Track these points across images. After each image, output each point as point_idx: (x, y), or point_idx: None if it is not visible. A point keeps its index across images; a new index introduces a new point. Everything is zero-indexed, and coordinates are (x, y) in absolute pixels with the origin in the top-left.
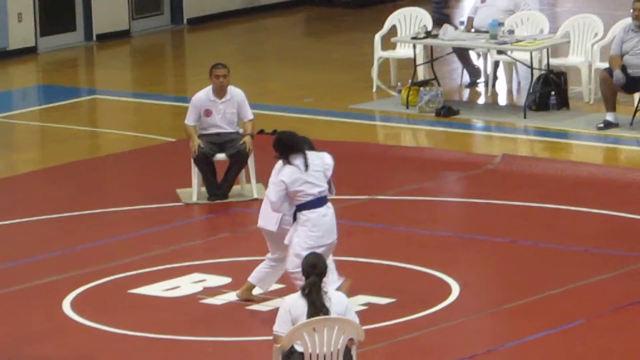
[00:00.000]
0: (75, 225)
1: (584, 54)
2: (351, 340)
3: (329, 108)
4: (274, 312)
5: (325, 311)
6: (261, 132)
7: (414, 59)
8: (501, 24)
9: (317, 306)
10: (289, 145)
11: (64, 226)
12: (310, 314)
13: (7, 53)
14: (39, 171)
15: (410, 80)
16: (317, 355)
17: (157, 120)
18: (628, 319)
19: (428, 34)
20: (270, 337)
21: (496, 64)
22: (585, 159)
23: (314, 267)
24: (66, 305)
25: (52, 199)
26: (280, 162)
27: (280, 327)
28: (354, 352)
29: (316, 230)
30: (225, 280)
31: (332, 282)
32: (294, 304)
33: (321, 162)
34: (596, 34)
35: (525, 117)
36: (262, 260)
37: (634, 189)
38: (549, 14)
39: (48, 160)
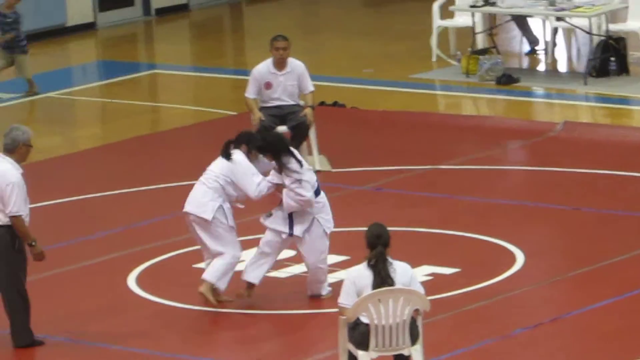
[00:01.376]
0: (138, 200)
1: None
2: (417, 310)
3: (389, 78)
4: (339, 284)
5: (391, 282)
6: (322, 103)
7: (473, 27)
8: None
9: (382, 276)
10: (285, 147)
11: (126, 202)
12: (376, 285)
13: (66, 29)
14: (100, 147)
15: (469, 49)
16: (383, 327)
17: (218, 94)
18: None
19: (486, 2)
20: (336, 310)
21: (555, 31)
22: None
23: (379, 238)
24: (131, 281)
25: (114, 174)
26: (241, 157)
27: (346, 299)
28: (419, 323)
29: (328, 212)
30: (289, 253)
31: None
32: (359, 275)
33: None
34: None
35: (585, 83)
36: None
37: None
38: None
39: (109, 136)
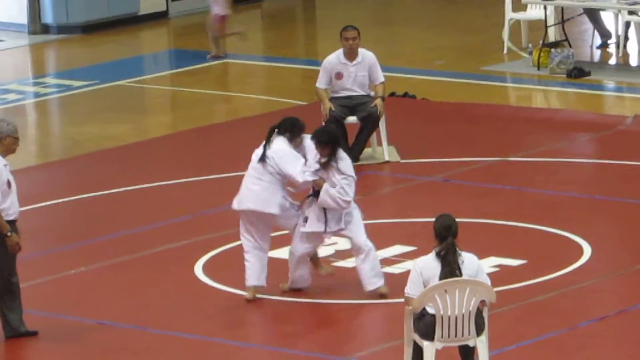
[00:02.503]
0: (207, 188)
1: None
2: (483, 302)
3: (460, 70)
4: (406, 274)
5: (459, 273)
6: (392, 94)
7: (545, 20)
8: None
9: (451, 267)
10: (341, 143)
11: (195, 190)
12: (444, 275)
13: (138, 18)
14: (170, 135)
15: (541, 42)
16: (449, 317)
17: (288, 84)
18: None
19: None
20: (402, 300)
21: (627, 25)
22: None
23: (448, 229)
24: (198, 269)
25: (184, 162)
26: (283, 144)
27: (412, 289)
28: (485, 314)
29: None
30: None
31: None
32: (426, 266)
33: None
34: None
35: None
36: (393, 224)
37: None
38: None
39: (179, 124)
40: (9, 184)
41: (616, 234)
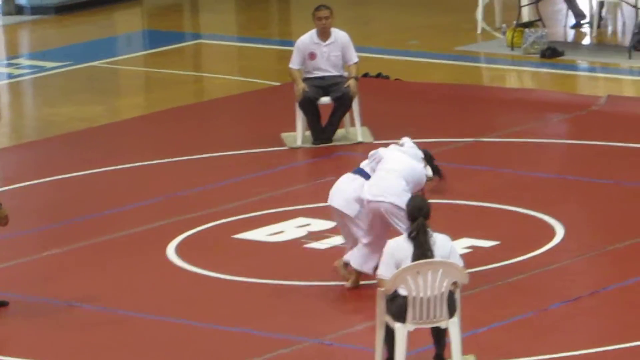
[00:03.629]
0: (180, 170)
1: None
2: (455, 283)
3: (434, 50)
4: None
5: (430, 254)
6: (366, 75)
7: (519, 0)
8: None
9: (423, 249)
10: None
11: (168, 171)
12: (416, 257)
13: None
14: (143, 116)
15: (515, 22)
16: (421, 299)
17: (262, 65)
18: None
19: None
20: (375, 281)
21: (601, 5)
22: None
23: (420, 210)
24: (170, 251)
25: (157, 144)
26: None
27: (384, 270)
28: (457, 296)
29: None
30: (330, 224)
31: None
32: (398, 247)
33: None
34: None
35: (630, 57)
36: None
37: None
38: None
39: (153, 105)
40: None
41: (589, 215)
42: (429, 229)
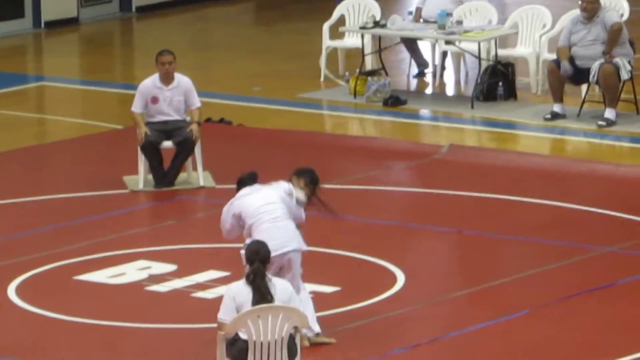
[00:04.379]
0: (21, 211)
1: (532, 45)
2: (296, 328)
3: (277, 97)
4: (219, 300)
5: (270, 298)
6: (208, 120)
7: (362, 49)
8: (449, 15)
9: (262, 293)
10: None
11: (9, 212)
12: (255, 301)
13: None
14: None
15: (358, 70)
16: (262, 343)
17: (105, 108)
18: (571, 310)
19: (376, 24)
20: (215, 325)
21: (444, 54)
22: (532, 149)
23: (256, 253)
24: (11, 291)
25: None
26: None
27: (225, 314)
28: (297, 340)
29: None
30: (171, 267)
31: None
32: (239, 291)
33: None
34: (544, 25)
35: (472, 107)
36: (207, 249)
37: (580, 180)
38: (498, 5)
39: None
40: None
41: (430, 262)
42: (267, 274)
